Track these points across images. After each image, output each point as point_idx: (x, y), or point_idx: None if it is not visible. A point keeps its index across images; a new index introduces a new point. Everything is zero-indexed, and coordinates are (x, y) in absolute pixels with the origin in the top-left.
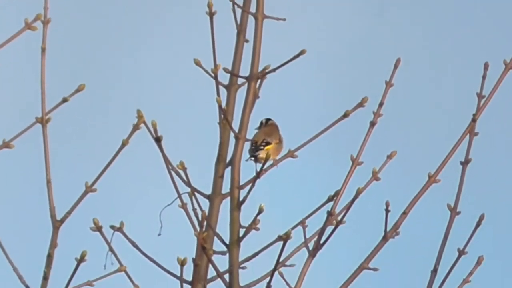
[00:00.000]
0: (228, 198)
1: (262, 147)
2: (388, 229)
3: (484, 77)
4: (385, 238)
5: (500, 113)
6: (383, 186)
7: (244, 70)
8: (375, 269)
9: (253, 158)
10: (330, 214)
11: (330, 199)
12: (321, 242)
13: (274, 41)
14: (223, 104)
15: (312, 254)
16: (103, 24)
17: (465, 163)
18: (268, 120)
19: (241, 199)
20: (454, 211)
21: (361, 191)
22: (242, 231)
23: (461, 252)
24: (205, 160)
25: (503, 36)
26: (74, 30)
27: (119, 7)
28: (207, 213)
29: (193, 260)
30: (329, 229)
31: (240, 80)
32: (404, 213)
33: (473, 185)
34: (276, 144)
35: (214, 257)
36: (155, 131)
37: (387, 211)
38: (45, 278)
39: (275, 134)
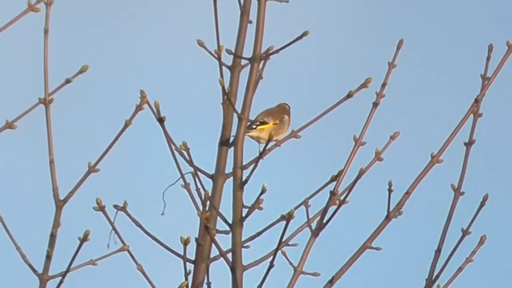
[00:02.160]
0: (231, 178)
1: (254, 126)
2: (391, 209)
3: (488, 59)
4: (388, 218)
5: (503, 94)
6: (386, 166)
7: (248, 51)
8: (378, 249)
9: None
10: (333, 194)
11: (333, 179)
12: (324, 221)
13: (277, 22)
14: (226, 85)
15: (315, 233)
16: (106, 5)
17: (468, 143)
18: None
19: (244, 179)
20: (458, 191)
21: (364, 171)
22: (245, 211)
23: (465, 232)
24: (208, 140)
25: (507, 17)
26: (77, 11)
27: None
28: (210, 193)
29: (196, 239)
30: (332, 209)
31: (243, 61)
32: (407, 193)
33: (476, 166)
34: (274, 124)
35: (217, 237)
36: (158, 111)
37: (389, 191)
38: (48, 257)
39: (277, 115)
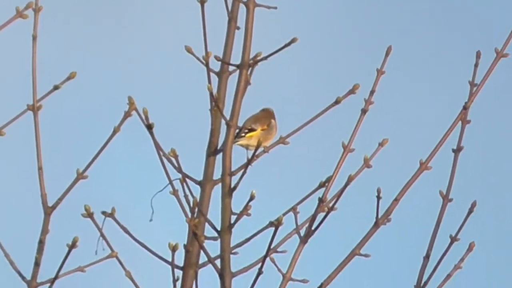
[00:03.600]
0: (220, 184)
1: (243, 134)
2: (379, 216)
3: (476, 65)
4: (376, 225)
5: (491, 101)
6: (374, 173)
7: (236, 57)
8: (366, 255)
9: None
10: (321, 200)
11: (321, 185)
12: (313, 228)
13: (265, 28)
14: (215, 92)
15: (304, 240)
16: (94, 11)
17: (457, 150)
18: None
19: (232, 185)
20: (446, 198)
21: (352, 178)
22: (233, 218)
23: (453, 239)
24: (197, 147)
25: (495, 24)
26: (66, 18)
27: None
28: (198, 200)
29: (185, 246)
30: (321, 215)
31: (231, 68)
32: (396, 200)
33: (465, 173)
34: (262, 130)
35: (206, 243)
36: (147, 118)
37: (378, 197)
38: (37, 264)
39: (264, 120)
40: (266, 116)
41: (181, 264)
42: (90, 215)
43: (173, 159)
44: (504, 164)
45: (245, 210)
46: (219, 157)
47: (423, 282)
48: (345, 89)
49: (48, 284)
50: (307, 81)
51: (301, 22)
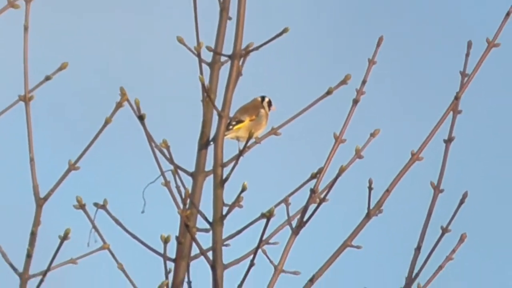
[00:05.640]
0: (212, 176)
1: (231, 127)
2: (371, 207)
3: (467, 55)
4: (368, 216)
5: (483, 91)
6: (366, 164)
7: (227, 47)
8: (358, 247)
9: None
10: (313, 192)
11: (313, 176)
12: (304, 219)
13: (257, 18)
14: (206, 82)
15: (295, 231)
16: (85, 1)
17: (448, 141)
18: (263, 97)
19: (224, 177)
20: (437, 189)
21: (344, 169)
22: (225, 209)
23: (445, 230)
24: (188, 138)
25: (486, 14)
26: (57, 8)
27: None
28: (190, 191)
29: (177, 237)
30: (312, 207)
31: (223, 58)
32: (387, 191)
33: (456, 163)
34: (251, 121)
35: (198, 235)
36: (138, 109)
37: (370, 188)
38: (29, 255)
39: (252, 111)
40: (254, 106)
41: (173, 256)
42: (82, 206)
43: (165, 150)
44: (495, 154)
45: (237, 202)
46: (211, 148)
47: (414, 273)
48: (336, 80)
49: (40, 276)
50: (299, 71)
51: (292, 12)
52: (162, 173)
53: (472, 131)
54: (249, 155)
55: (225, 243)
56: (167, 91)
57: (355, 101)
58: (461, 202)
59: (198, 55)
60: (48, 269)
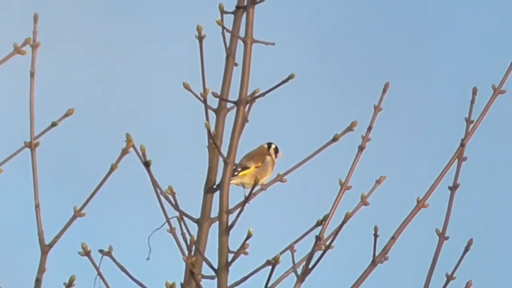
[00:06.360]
0: (217, 222)
1: (236, 173)
2: (376, 254)
3: (472, 102)
4: (373, 263)
5: (488, 138)
6: (371, 210)
7: (233, 93)
8: None
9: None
10: (318, 238)
11: (318, 223)
12: (310, 266)
13: (263, 65)
14: (212, 128)
15: (301, 278)
16: (91, 47)
17: (453, 188)
18: (269, 144)
19: (229, 223)
20: (442, 236)
21: (349, 215)
22: (230, 256)
23: (450, 277)
24: (194, 184)
25: (491, 61)
26: (64, 54)
27: (108, 30)
28: (195, 238)
29: (182, 284)
30: (318, 253)
31: (229, 104)
32: (393, 238)
33: (461, 210)
34: (257, 167)
35: (203, 282)
36: (144, 155)
37: (375, 236)
38: None
39: (259, 157)
40: (260, 153)
41: None
42: (87, 253)
43: (171, 197)
44: (500, 202)
45: (242, 249)
46: (217, 194)
47: None
48: (342, 126)
49: None
50: (305, 117)
51: (298, 58)
52: (168, 220)
53: (477, 178)
54: (254, 201)
55: None
56: (173, 137)
57: (361, 148)
58: (466, 249)
59: (204, 101)
60: None
